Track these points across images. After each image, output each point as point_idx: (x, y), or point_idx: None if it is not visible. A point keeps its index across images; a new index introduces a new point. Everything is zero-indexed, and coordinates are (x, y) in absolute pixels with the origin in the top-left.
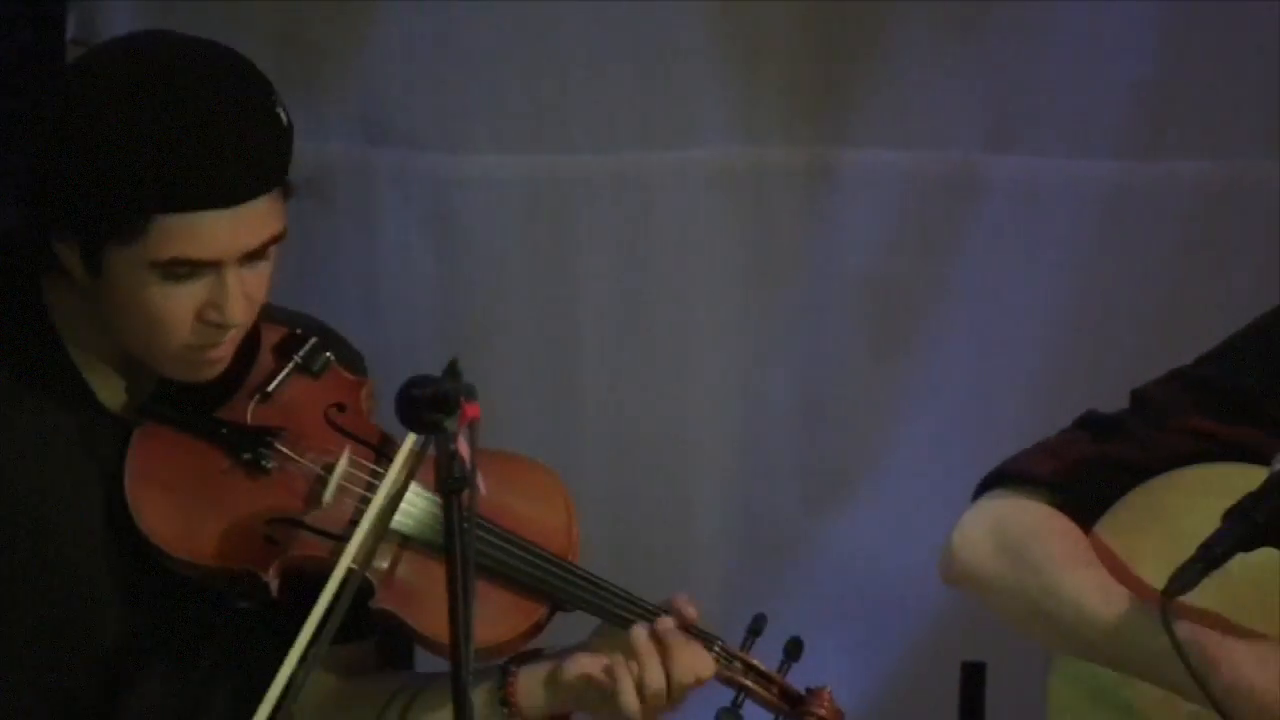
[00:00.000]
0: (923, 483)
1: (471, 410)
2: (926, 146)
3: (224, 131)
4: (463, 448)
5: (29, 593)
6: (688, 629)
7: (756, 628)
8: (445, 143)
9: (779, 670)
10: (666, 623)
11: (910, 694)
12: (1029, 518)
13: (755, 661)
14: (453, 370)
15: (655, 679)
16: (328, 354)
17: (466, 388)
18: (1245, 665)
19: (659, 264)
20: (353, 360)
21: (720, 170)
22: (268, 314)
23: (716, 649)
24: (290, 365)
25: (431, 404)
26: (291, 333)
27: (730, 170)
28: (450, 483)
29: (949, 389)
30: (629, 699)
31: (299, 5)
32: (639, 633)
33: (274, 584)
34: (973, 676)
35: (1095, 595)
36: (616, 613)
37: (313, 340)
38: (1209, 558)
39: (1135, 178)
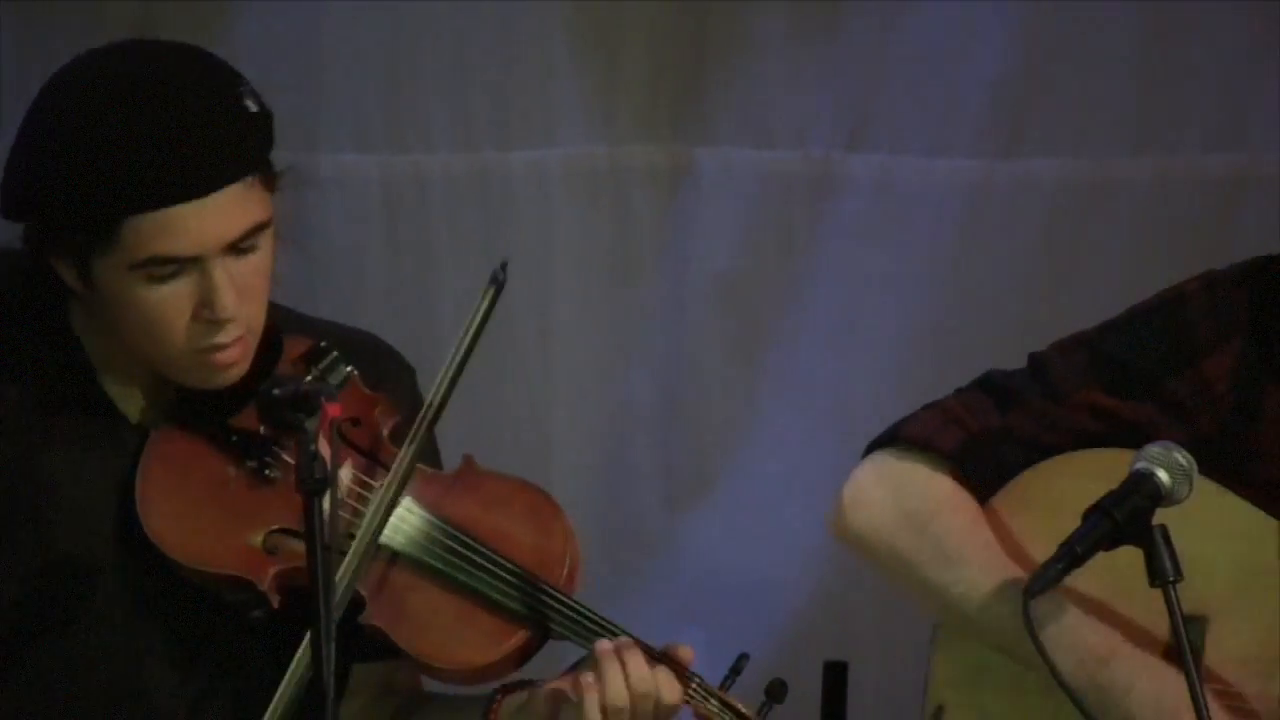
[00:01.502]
0: (783, 481)
1: (332, 410)
2: (785, 145)
3: (181, 125)
4: (324, 448)
5: (49, 601)
6: (664, 661)
7: (738, 667)
8: (304, 142)
9: (759, 712)
10: (627, 640)
11: None
12: (932, 491)
13: (733, 700)
14: (309, 363)
15: (616, 690)
16: (349, 369)
17: (326, 388)
18: (1139, 674)
19: (519, 263)
20: (385, 376)
21: (580, 169)
22: (301, 325)
23: (694, 686)
24: (308, 377)
25: (292, 404)
26: (315, 345)
27: (590, 169)
28: (311, 483)
29: (809, 387)
30: (592, 711)
31: (154, 5)
32: (602, 643)
33: (272, 595)
34: (835, 676)
35: (992, 582)
36: None
37: (334, 354)
38: (1070, 556)
39: (994, 176)
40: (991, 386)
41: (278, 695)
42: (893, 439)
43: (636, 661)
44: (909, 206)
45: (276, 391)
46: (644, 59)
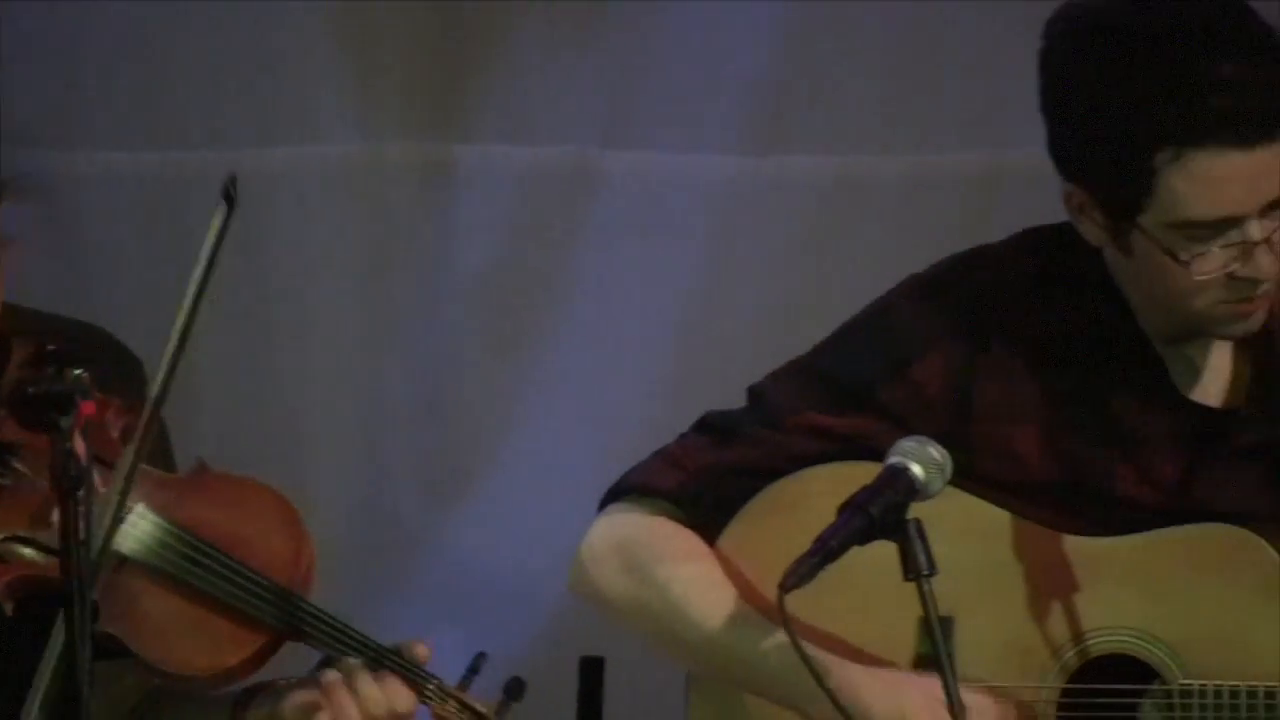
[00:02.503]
0: (542, 479)
1: (87, 408)
2: (545, 141)
3: None
4: (79, 445)
5: None
6: (404, 668)
7: (475, 666)
8: (61, 139)
9: (497, 710)
10: (352, 664)
11: (529, 689)
12: (654, 537)
13: (470, 700)
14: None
15: (348, 713)
16: (78, 371)
17: (81, 386)
18: (865, 689)
19: (278, 260)
20: (112, 377)
21: (338, 166)
22: (32, 321)
23: (431, 688)
24: (32, 387)
25: (46, 402)
26: (42, 348)
27: (348, 166)
28: (67, 481)
29: (568, 384)
30: None
31: None
32: (329, 674)
33: (5, 602)
34: (591, 671)
35: (721, 618)
36: (338, 649)
37: (62, 358)
38: (824, 551)
39: (752, 173)
40: (709, 426)
41: (30, 698)
42: (619, 490)
43: (365, 684)
44: (667, 203)
45: (31, 390)
46: (403, 55)
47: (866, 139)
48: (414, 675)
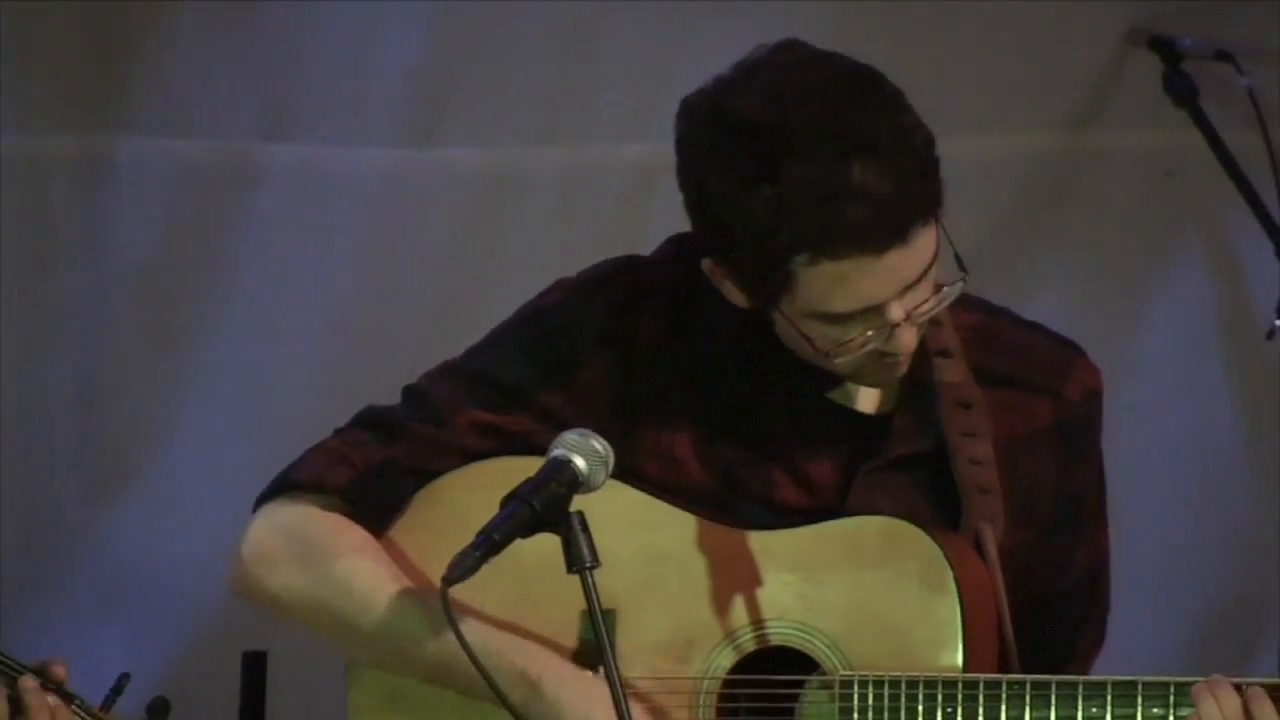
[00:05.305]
0: (202, 472)
1: None
2: (203, 135)
3: None
4: None
5: None
6: (48, 686)
7: (119, 686)
8: None
9: None
10: (28, 682)
11: (192, 684)
12: (325, 532)
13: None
14: None
15: None
16: None
17: None
18: (567, 689)
19: None
20: None
21: None
22: None
23: (75, 706)
24: None
25: None
26: None
27: (6, 159)
28: None
29: (229, 378)
30: None
31: None
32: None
33: None
34: (254, 665)
35: (403, 609)
36: None
37: None
38: (487, 544)
39: (410, 165)
40: (371, 421)
41: None
42: (281, 487)
43: (36, 705)
44: (327, 196)
45: None
46: (59, 48)
47: (525, 130)
48: (61, 695)
